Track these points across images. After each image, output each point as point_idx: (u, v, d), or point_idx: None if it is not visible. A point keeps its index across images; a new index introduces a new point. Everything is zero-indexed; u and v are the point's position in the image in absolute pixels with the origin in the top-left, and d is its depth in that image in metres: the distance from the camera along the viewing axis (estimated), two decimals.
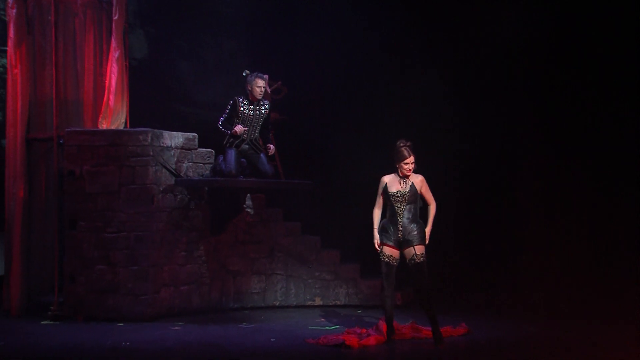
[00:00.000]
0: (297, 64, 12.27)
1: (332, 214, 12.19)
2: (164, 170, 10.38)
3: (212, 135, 10.61)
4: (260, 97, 10.33)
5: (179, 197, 10.61)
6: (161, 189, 10.37)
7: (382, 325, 8.98)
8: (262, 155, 10.37)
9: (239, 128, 10.08)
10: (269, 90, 10.94)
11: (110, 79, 10.74)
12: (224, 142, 10.31)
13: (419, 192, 8.69)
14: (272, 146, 10.18)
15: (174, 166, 10.48)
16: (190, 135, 10.85)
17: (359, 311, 11.05)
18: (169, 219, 10.40)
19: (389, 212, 8.72)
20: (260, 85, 10.27)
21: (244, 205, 11.35)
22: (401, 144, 8.56)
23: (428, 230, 8.73)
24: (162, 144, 10.45)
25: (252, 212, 11.37)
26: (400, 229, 8.63)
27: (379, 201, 8.80)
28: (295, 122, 11.94)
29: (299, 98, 11.82)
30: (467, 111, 11.61)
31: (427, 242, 8.68)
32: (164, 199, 10.40)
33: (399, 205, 8.65)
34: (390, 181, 8.67)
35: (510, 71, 11.46)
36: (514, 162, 11.63)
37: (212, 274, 10.96)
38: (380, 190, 8.74)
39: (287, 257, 11.48)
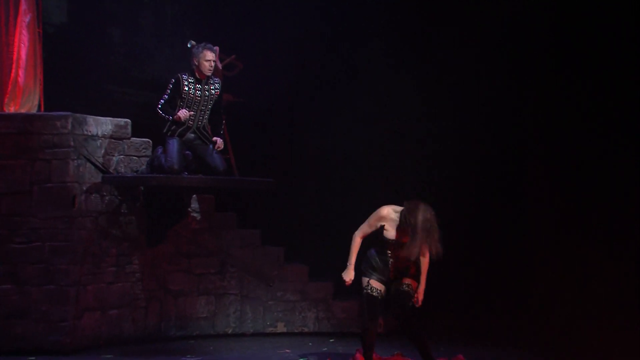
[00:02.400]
0: (254, 33, 12.14)
1: (299, 221, 12.12)
2: (88, 164, 10.01)
3: (150, 122, 10.38)
4: (209, 74, 9.92)
5: (107, 198, 10.23)
6: (84, 188, 10.00)
7: (360, 358, 8.75)
8: (211, 146, 10.02)
9: (182, 113, 9.69)
10: (220, 65, 10.46)
11: (19, 51, 10.37)
12: (164, 130, 9.92)
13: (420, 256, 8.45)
14: (219, 140, 9.89)
15: (101, 160, 10.15)
16: (121, 121, 10.43)
17: (332, 340, 10.81)
18: (95, 226, 10.10)
19: (379, 250, 8.47)
20: (209, 59, 9.85)
21: (189, 209, 10.97)
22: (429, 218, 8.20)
23: (421, 290, 8.50)
24: (86, 132, 10.04)
25: (198, 217, 11.01)
26: (392, 270, 8.43)
27: (366, 230, 8.49)
28: (253, 106, 11.72)
29: (258, 76, 11.71)
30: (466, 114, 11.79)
31: (420, 302, 8.52)
32: (88, 201, 10.04)
33: (392, 252, 8.41)
34: (390, 222, 8.36)
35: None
36: (520, 176, 11.86)
37: (148, 294, 10.65)
38: (374, 223, 8.42)
39: (243, 273, 11.11)
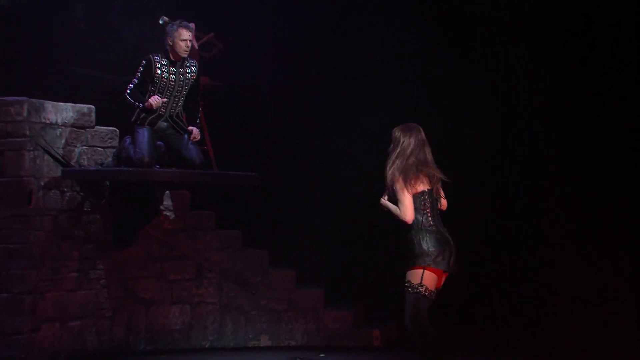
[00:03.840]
0: (235, 8, 11.95)
1: (285, 221, 11.84)
2: (46, 156, 9.83)
3: (117, 108, 10.34)
4: (185, 56, 9.77)
5: (68, 194, 10.05)
6: (42, 183, 9.83)
7: None
8: (187, 137, 9.90)
9: (154, 100, 9.61)
10: (196, 45, 10.29)
11: None
12: (133, 119, 9.76)
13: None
14: (195, 130, 9.84)
15: (61, 151, 9.99)
16: (84, 107, 10.20)
17: (322, 355, 10.60)
18: (54, 226, 9.95)
19: (422, 221, 7.96)
20: (184, 38, 9.69)
21: (161, 207, 10.85)
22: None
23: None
24: (43, 120, 9.88)
25: (172, 216, 10.92)
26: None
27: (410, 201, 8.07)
28: (233, 91, 11.54)
29: (239, 57, 11.59)
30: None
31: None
32: (46, 198, 9.90)
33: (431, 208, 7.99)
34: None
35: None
36: (538, 175, 11.61)
37: (115, 303, 10.60)
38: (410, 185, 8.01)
39: (222, 279, 10.95)
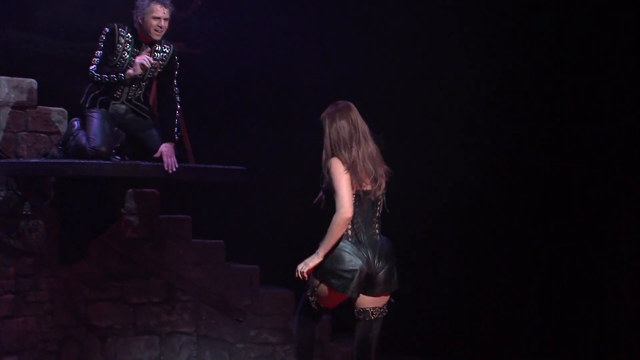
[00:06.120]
0: None
1: (279, 226, 11.25)
2: None
3: (66, 82, 9.86)
4: (157, 38, 8.95)
5: (2, 193, 9.32)
6: None
7: None
8: (151, 122, 9.12)
9: (143, 59, 8.69)
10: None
11: None
12: (82, 100, 8.93)
13: None
14: (166, 149, 9.10)
15: None
16: (24, 81, 9.40)
17: None
18: None
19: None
20: (158, 15, 8.84)
21: (122, 210, 9.98)
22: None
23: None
24: None
25: (136, 222, 10.02)
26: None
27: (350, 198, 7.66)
28: (214, 62, 10.82)
29: (223, 19, 10.87)
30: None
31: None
32: None
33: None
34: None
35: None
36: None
37: (62, 333, 9.62)
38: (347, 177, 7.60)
39: (200, 302, 10.10)
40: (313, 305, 7.60)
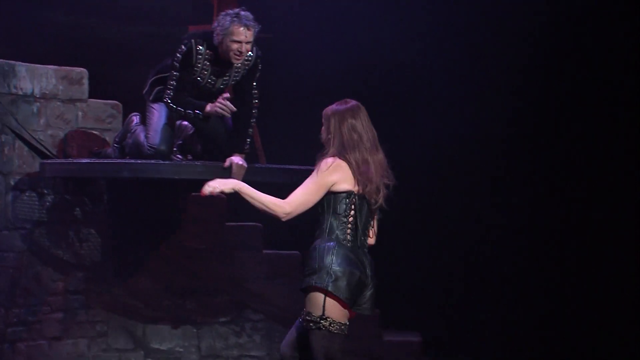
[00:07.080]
0: None
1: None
2: (18, 143, 8.83)
3: (121, 73, 9.78)
4: (236, 64, 8.55)
5: (49, 198, 8.92)
6: (12, 182, 8.84)
7: None
8: (226, 120, 8.62)
9: (222, 104, 8.29)
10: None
11: None
12: (145, 91, 8.46)
13: None
14: (236, 162, 8.67)
15: (40, 135, 8.96)
16: (73, 71, 8.98)
17: None
18: (28, 244, 8.89)
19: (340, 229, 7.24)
20: (239, 39, 8.41)
21: (184, 217, 9.52)
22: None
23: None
24: (14, 90, 8.84)
25: (199, 231, 9.54)
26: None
27: (311, 198, 7.32)
28: (292, 50, 10.22)
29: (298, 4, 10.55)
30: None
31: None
32: (17, 204, 8.92)
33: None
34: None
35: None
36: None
37: (116, 356, 9.25)
38: (327, 179, 7.21)
39: (273, 322, 9.53)
40: (334, 330, 6.94)
